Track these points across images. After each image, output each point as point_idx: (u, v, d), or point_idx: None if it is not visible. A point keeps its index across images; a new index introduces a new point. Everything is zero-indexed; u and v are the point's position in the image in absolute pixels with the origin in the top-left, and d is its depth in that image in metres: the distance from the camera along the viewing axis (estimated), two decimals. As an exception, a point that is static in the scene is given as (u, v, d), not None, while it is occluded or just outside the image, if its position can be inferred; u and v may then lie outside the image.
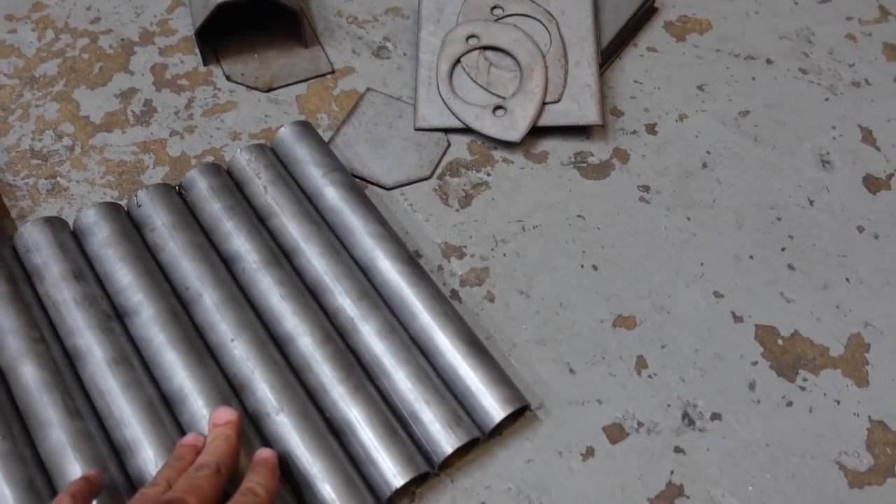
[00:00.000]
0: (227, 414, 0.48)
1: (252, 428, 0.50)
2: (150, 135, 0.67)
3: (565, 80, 0.69)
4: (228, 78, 0.71)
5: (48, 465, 0.48)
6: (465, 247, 0.62)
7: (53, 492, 0.47)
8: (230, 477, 0.45)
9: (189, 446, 0.47)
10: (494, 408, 0.51)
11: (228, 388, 0.51)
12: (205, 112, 0.69)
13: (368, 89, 0.71)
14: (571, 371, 0.57)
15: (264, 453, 0.47)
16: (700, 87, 0.73)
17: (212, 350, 0.53)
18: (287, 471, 0.49)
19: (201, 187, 0.59)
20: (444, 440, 0.50)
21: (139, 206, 0.58)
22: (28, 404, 0.49)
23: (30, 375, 0.50)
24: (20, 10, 0.74)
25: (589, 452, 0.53)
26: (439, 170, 0.66)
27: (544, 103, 0.68)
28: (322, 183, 0.60)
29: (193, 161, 0.66)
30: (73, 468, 0.47)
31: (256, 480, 0.45)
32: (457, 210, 0.64)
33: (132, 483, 0.48)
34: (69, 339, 0.52)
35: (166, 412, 0.50)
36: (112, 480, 0.47)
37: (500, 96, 0.69)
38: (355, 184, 0.61)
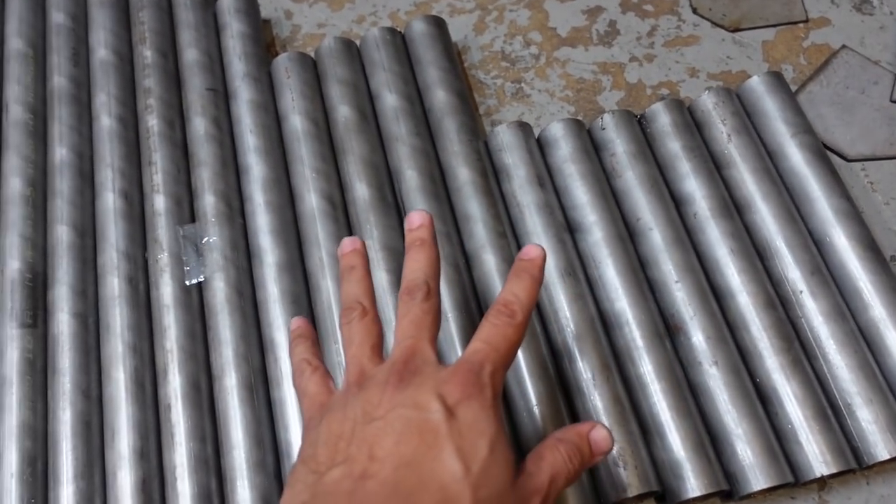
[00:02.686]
0: (420, 217, 0.44)
1: (681, 372, 0.52)
2: (611, 57, 0.68)
3: None
4: (695, 11, 0.69)
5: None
6: (927, 243, 0.57)
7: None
8: (439, 288, 0.42)
9: (352, 252, 0.45)
10: (945, 428, 0.48)
11: (663, 325, 0.53)
12: (666, 42, 0.68)
13: (843, 47, 0.66)
14: None
15: (530, 252, 0.42)
16: None
17: (652, 285, 0.55)
18: (709, 425, 0.50)
19: (664, 122, 0.60)
20: (882, 444, 0.48)
21: (603, 128, 0.60)
22: (487, 289, 0.55)
23: (492, 264, 0.55)
24: (505, -88, 0.78)
25: None
26: (911, 151, 0.61)
27: None
28: (788, 143, 0.58)
29: (648, 91, 0.66)
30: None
31: (513, 291, 0.41)
32: (924, 200, 0.59)
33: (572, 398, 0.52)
34: (525, 239, 0.57)
35: (603, 332, 0.53)
36: (550, 379, 0.52)
37: None
38: (824, 151, 0.58)
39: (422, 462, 0.35)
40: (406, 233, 0.44)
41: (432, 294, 0.41)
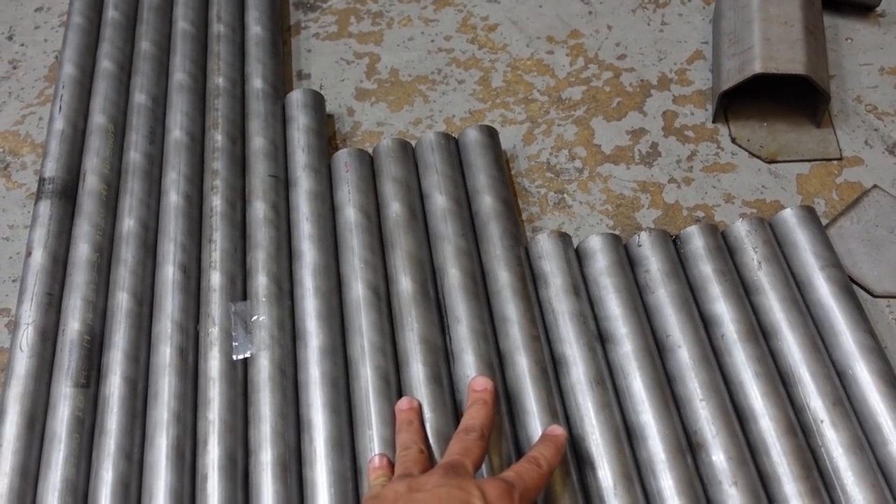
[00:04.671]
0: (484, 382, 0.54)
1: (700, 489, 0.53)
2: (651, 176, 0.72)
3: None
4: (733, 140, 0.73)
5: (526, 449, 0.56)
6: (950, 384, 0.59)
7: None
8: (490, 439, 0.51)
9: (410, 410, 0.54)
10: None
11: (685, 440, 0.55)
12: (704, 168, 0.72)
13: (875, 186, 0.69)
14: None
15: (556, 430, 0.52)
16: None
17: (677, 401, 0.57)
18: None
19: (698, 245, 0.63)
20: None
21: (639, 245, 0.64)
22: (518, 392, 0.57)
23: (524, 366, 0.58)
24: (560, 34, 0.84)
25: None
26: (936, 292, 0.63)
27: None
28: (816, 275, 0.61)
29: (685, 212, 0.70)
30: (541, 460, 0.54)
31: (541, 452, 0.49)
32: (947, 341, 0.61)
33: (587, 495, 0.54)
34: (558, 345, 0.59)
35: (628, 443, 0.55)
36: (572, 485, 0.53)
37: None
38: (850, 286, 0.60)
39: None
40: (470, 391, 0.54)
41: (484, 438, 0.50)
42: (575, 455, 0.55)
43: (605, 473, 0.53)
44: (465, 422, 0.52)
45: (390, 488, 0.46)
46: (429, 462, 0.51)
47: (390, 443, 0.55)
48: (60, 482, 0.55)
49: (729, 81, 0.71)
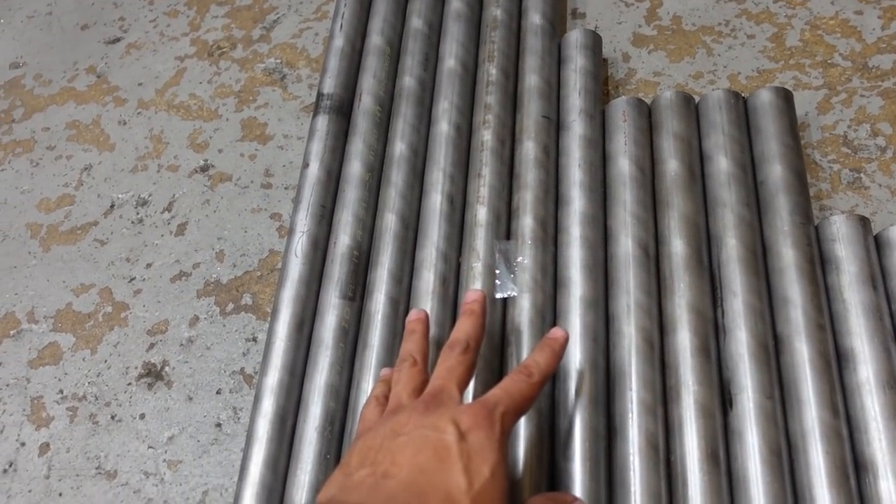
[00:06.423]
0: (474, 294, 0.53)
1: None
2: (970, 166, 0.64)
3: None
4: None
5: (799, 442, 0.52)
6: None
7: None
8: (479, 350, 0.50)
9: (417, 320, 0.53)
10: None
11: None
12: None
13: None
14: None
15: (557, 332, 0.50)
16: None
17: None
18: None
19: None
20: None
21: (955, 243, 0.56)
22: (792, 378, 0.53)
23: (804, 354, 0.53)
24: (872, -8, 0.75)
25: None
26: None
27: None
28: None
29: None
30: (816, 456, 0.50)
31: (535, 359, 0.48)
32: None
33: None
34: (845, 339, 0.54)
35: (920, 458, 0.50)
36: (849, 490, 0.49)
37: None
38: None
39: (434, 472, 0.41)
40: (462, 305, 0.53)
41: (470, 351, 0.49)
42: (854, 459, 0.50)
43: (890, 486, 0.48)
44: (452, 335, 0.50)
45: (378, 430, 0.45)
46: (423, 375, 0.49)
47: (650, 408, 0.53)
48: (324, 385, 0.58)
49: None
